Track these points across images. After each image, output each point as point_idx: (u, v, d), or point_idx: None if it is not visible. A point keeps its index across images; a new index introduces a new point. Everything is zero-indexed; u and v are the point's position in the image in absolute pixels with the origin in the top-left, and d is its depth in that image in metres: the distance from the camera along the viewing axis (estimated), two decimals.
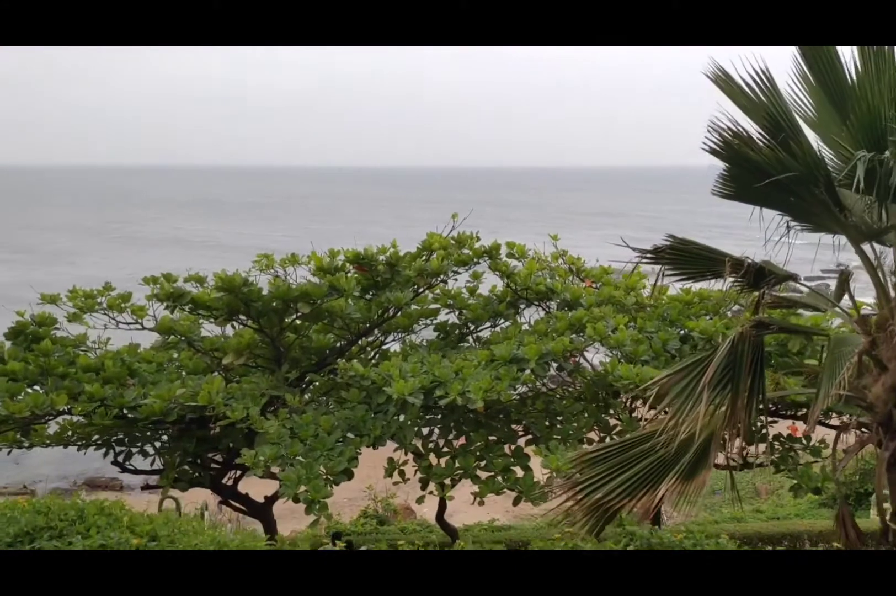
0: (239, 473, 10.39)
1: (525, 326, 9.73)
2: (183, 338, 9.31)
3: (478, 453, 8.13)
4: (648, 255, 5.62)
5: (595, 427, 8.86)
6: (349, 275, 9.46)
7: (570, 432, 8.29)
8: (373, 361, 10.58)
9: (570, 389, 9.11)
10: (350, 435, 8.28)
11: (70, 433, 9.51)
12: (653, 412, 7.00)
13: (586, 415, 8.88)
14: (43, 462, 21.89)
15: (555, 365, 8.68)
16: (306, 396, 9.50)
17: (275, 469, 7.90)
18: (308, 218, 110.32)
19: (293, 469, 7.47)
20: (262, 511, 11.37)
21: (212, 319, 9.05)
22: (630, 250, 5.70)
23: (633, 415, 9.40)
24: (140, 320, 10.71)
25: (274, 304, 8.59)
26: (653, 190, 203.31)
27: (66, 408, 8.42)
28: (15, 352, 9.58)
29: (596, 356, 9.53)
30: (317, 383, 9.87)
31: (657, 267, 5.76)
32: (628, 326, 8.78)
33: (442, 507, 10.35)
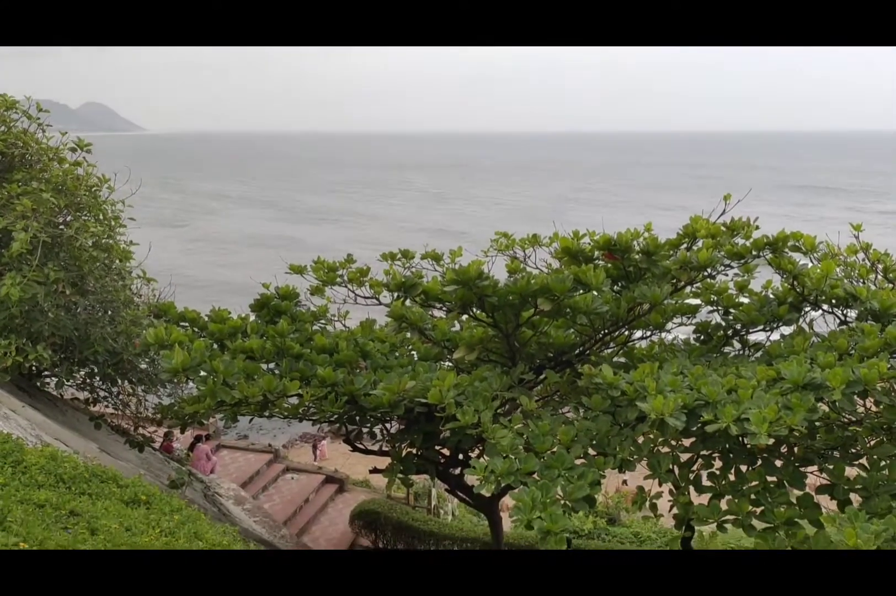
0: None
1: (814, 338, 7.91)
2: (414, 327, 8.75)
3: (752, 496, 6.66)
4: None
5: None
6: (597, 264, 8.29)
7: (881, 484, 6.40)
8: (615, 359, 9.40)
9: (877, 420, 7.10)
10: (592, 452, 7.24)
11: (306, 408, 9.47)
12: None
13: None
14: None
15: None
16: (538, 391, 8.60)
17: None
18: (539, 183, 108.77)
19: (527, 490, 6.56)
20: (487, 505, 10.80)
21: (444, 311, 8.36)
22: None
23: None
24: (377, 296, 10.43)
25: (510, 298, 7.65)
26: None
27: (297, 393, 8.24)
28: (256, 326, 9.69)
29: None
30: (552, 381, 8.90)
31: None
32: None
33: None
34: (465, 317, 8.66)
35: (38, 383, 11.01)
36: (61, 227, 9.01)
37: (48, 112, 10.08)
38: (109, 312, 9.64)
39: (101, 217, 9.80)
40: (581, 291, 7.73)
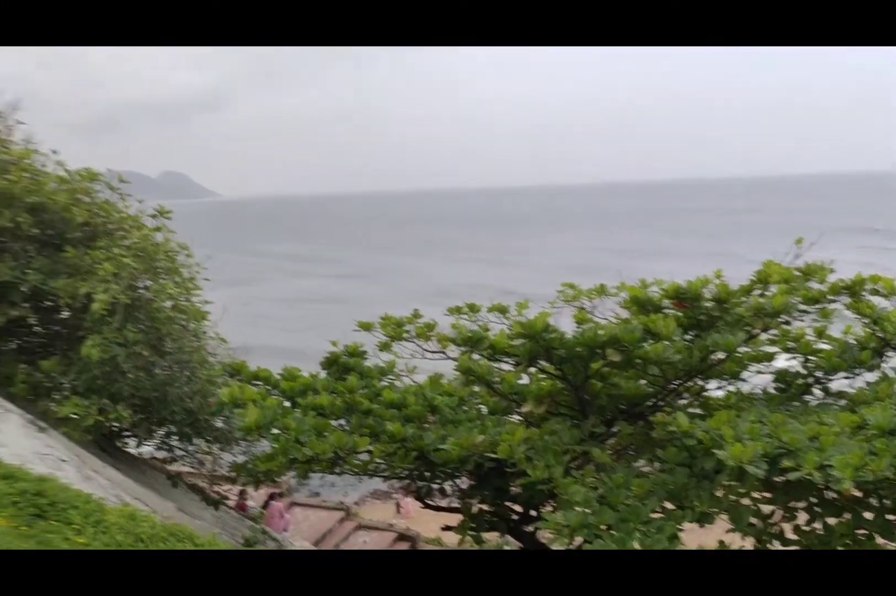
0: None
1: None
2: (482, 381, 8.71)
3: (840, 549, 6.29)
4: None
5: None
6: (667, 313, 8.14)
7: None
8: (691, 409, 9.11)
9: None
10: (669, 505, 6.98)
11: (376, 465, 9.46)
12: None
13: None
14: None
15: None
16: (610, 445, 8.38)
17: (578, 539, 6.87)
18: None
19: (602, 543, 6.35)
20: None
21: (512, 364, 8.31)
22: None
23: None
24: (444, 350, 10.47)
25: (578, 350, 7.56)
26: None
27: (367, 449, 8.25)
28: (326, 383, 9.83)
29: None
30: (625, 434, 8.67)
31: None
32: None
33: None
34: (533, 369, 8.57)
35: (118, 443, 11.32)
36: (141, 290, 9.41)
37: (129, 182, 10.67)
38: (186, 372, 9.93)
39: (178, 279, 10.22)
40: (651, 341, 7.58)
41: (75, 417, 8.33)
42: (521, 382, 8.96)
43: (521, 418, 9.09)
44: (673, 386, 8.62)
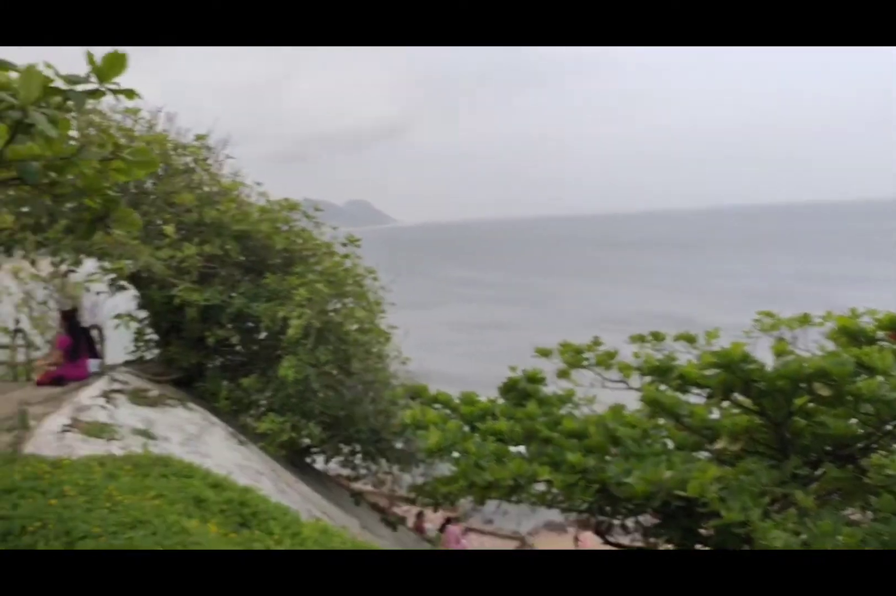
0: None
1: None
2: (669, 413, 8.28)
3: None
4: None
5: None
6: (882, 346, 7.36)
7: None
8: None
9: None
10: None
11: (554, 496, 9.25)
12: None
13: None
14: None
15: None
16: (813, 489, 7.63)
17: None
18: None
19: None
20: None
21: (702, 396, 7.84)
22: None
23: None
24: (626, 379, 10.11)
25: (780, 383, 6.98)
26: None
27: (546, 478, 8.08)
28: (506, 409, 9.78)
29: None
30: (832, 477, 7.88)
31: None
32: None
33: None
34: (725, 403, 8.04)
35: (307, 459, 11.89)
36: (331, 313, 9.87)
37: (323, 211, 11.32)
38: (371, 393, 10.27)
39: (364, 303, 10.64)
40: (864, 376, 6.87)
41: (271, 432, 8.83)
42: (712, 416, 8.44)
43: (711, 455, 8.52)
44: (889, 427, 7.74)
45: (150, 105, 10.57)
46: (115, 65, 3.31)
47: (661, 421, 9.37)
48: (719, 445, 7.62)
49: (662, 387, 8.27)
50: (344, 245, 11.07)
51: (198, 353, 10.06)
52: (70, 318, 9.39)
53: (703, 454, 8.89)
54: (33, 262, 9.63)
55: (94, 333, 9.61)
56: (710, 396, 7.60)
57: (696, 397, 8.77)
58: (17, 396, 8.02)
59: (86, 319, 10.02)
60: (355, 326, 9.98)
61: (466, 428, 9.53)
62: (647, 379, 8.90)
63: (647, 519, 9.24)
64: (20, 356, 11.37)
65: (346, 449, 10.62)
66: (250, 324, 10.25)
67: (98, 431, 6.57)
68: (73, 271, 9.62)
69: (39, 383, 8.91)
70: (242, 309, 9.45)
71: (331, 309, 9.98)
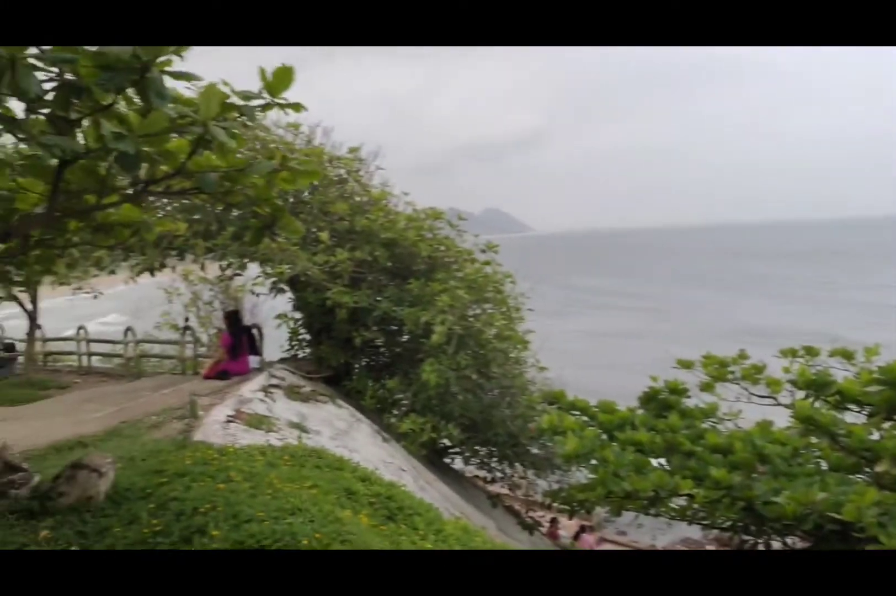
0: None
1: None
2: (824, 432, 7.86)
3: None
4: None
5: None
6: None
7: None
8: None
9: None
10: None
11: (694, 511, 9.00)
12: None
13: None
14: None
15: None
16: None
17: None
18: None
19: None
20: None
21: (863, 415, 7.39)
22: None
23: None
24: (775, 395, 9.69)
25: None
26: None
27: (689, 492, 7.87)
28: (646, 419, 9.59)
29: None
30: None
31: None
32: None
33: None
34: (887, 424, 7.54)
35: (445, 459, 12.18)
36: (471, 319, 10.10)
37: (466, 219, 11.60)
38: (508, 397, 10.41)
39: (504, 309, 10.82)
40: None
41: (412, 432, 9.15)
42: (872, 437, 7.93)
43: (869, 478, 8.00)
44: None
45: (308, 120, 11.27)
46: (284, 79, 3.59)
47: (814, 440, 8.88)
48: (880, 468, 7.14)
49: (816, 404, 7.86)
50: (483, 251, 11.30)
51: (346, 353, 10.59)
52: (233, 317, 10.14)
53: (861, 477, 8.37)
54: (203, 266, 10.51)
55: (255, 331, 10.32)
56: (871, 415, 7.15)
57: (851, 417, 8.28)
58: (186, 388, 8.76)
59: (247, 319, 10.80)
60: (494, 332, 10.16)
61: (604, 436, 9.44)
62: (800, 395, 8.49)
63: (795, 542, 8.80)
64: (188, 352, 12.40)
65: (483, 451, 10.82)
66: (394, 327, 10.68)
67: (258, 422, 7.07)
68: (238, 275, 10.40)
69: (206, 377, 9.69)
70: (388, 312, 9.86)
71: (471, 314, 10.23)
